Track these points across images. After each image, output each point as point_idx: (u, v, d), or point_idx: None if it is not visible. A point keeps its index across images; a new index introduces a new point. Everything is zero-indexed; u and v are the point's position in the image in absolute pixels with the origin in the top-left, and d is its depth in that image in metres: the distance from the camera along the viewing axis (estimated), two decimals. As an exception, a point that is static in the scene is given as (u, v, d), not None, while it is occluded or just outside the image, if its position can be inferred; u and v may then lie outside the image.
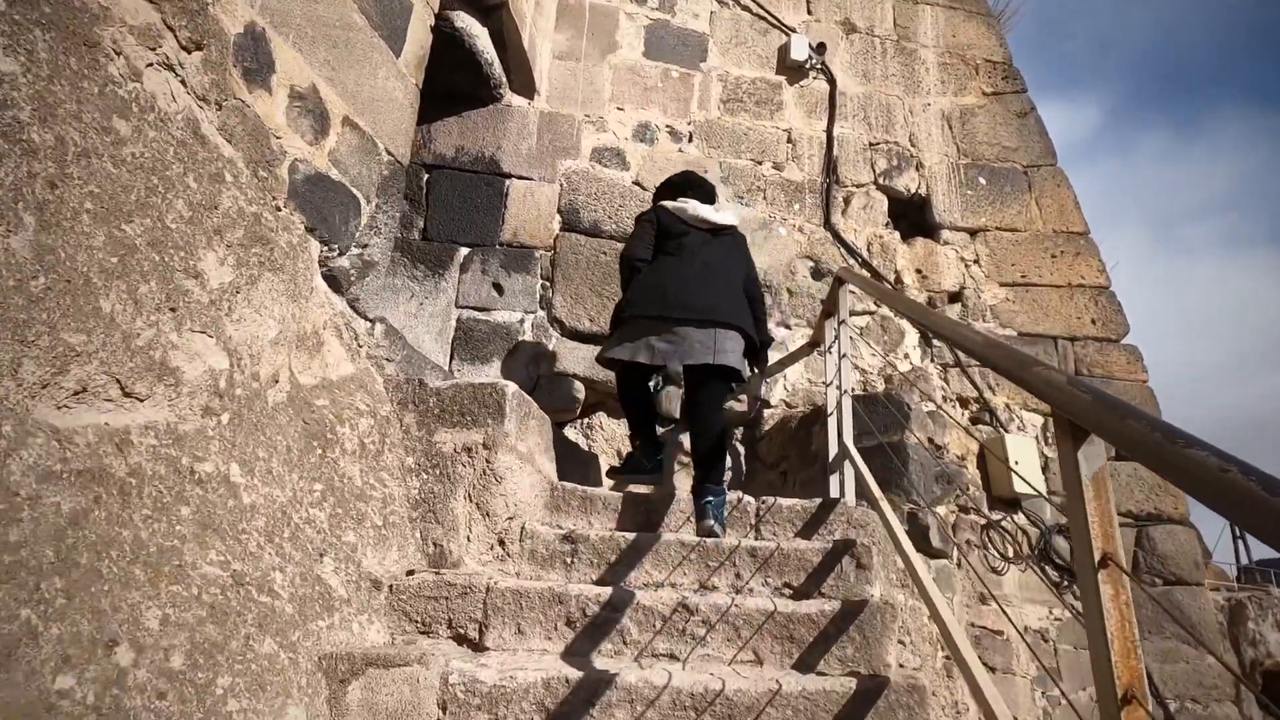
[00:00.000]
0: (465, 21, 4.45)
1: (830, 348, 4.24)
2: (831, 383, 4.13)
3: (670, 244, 3.43)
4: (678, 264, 3.36)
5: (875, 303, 4.92)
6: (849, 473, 3.57)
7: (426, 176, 4.74)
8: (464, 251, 4.61)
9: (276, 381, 2.52)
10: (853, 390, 3.77)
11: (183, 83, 2.40)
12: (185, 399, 2.05)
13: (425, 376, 3.47)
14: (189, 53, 2.43)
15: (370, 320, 3.29)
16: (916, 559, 2.56)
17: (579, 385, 4.45)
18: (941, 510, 4.13)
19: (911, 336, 4.91)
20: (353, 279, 3.16)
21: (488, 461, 2.90)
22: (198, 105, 2.45)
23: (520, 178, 4.80)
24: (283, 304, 2.61)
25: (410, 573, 2.59)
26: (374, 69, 3.41)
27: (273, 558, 2.14)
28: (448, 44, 4.48)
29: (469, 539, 2.81)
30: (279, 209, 2.76)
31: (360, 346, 3.13)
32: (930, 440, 4.13)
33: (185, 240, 2.16)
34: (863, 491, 3.35)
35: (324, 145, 3.03)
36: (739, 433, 4.62)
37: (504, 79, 4.88)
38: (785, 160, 5.21)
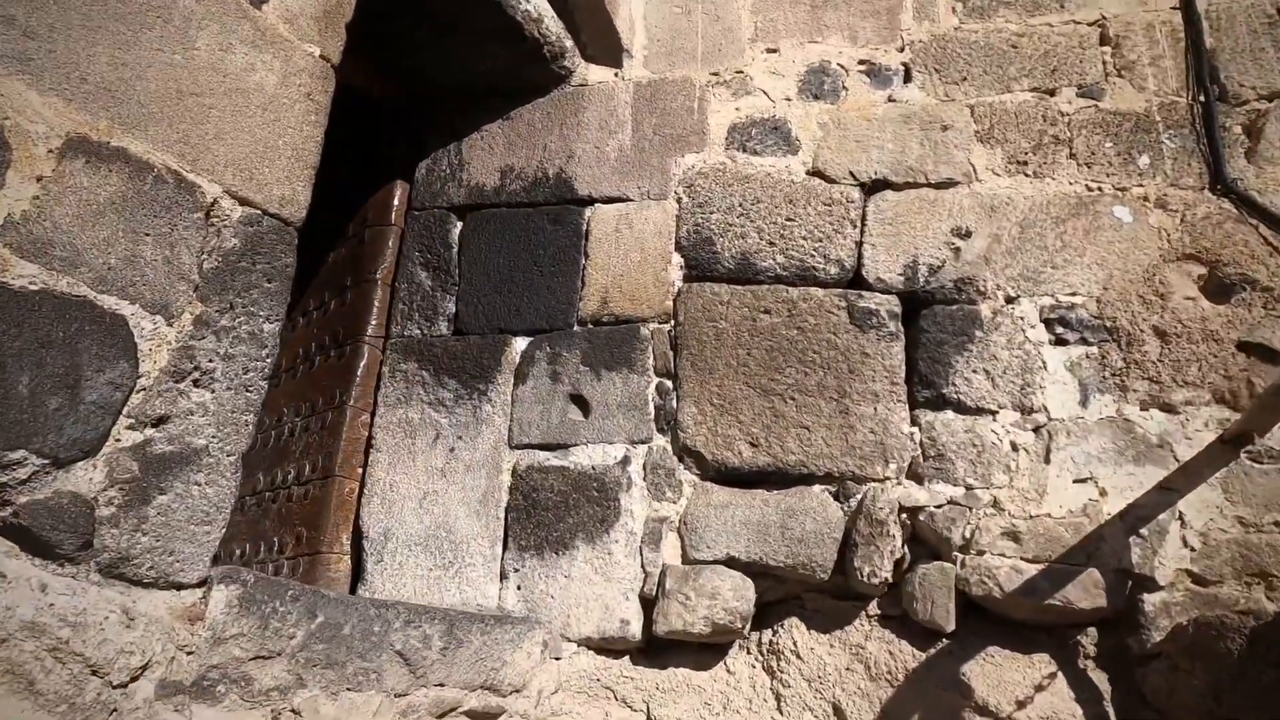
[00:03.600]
0: (469, -51, 2.66)
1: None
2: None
3: None
4: None
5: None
6: None
7: (459, 227, 2.97)
8: (520, 345, 2.76)
9: None
10: None
11: None
12: None
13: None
14: None
15: (191, 586, 1.50)
16: None
17: (742, 581, 2.40)
18: None
19: None
20: (109, 515, 1.39)
21: None
22: None
23: (608, 199, 2.89)
24: None
25: None
26: (169, 28, 1.67)
27: None
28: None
29: None
30: None
31: (118, 686, 1.33)
32: None
33: None
34: None
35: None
36: (1089, 645, 2.29)
37: (566, 43, 3.02)
38: (1103, 78, 2.82)
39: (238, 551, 2.99)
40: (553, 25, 2.97)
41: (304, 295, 3.28)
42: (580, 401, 2.66)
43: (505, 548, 2.53)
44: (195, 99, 1.68)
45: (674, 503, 2.52)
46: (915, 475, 2.45)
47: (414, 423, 2.74)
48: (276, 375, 3.26)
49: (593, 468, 2.57)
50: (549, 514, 2.54)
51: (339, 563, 2.66)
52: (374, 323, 2.91)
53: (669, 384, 2.64)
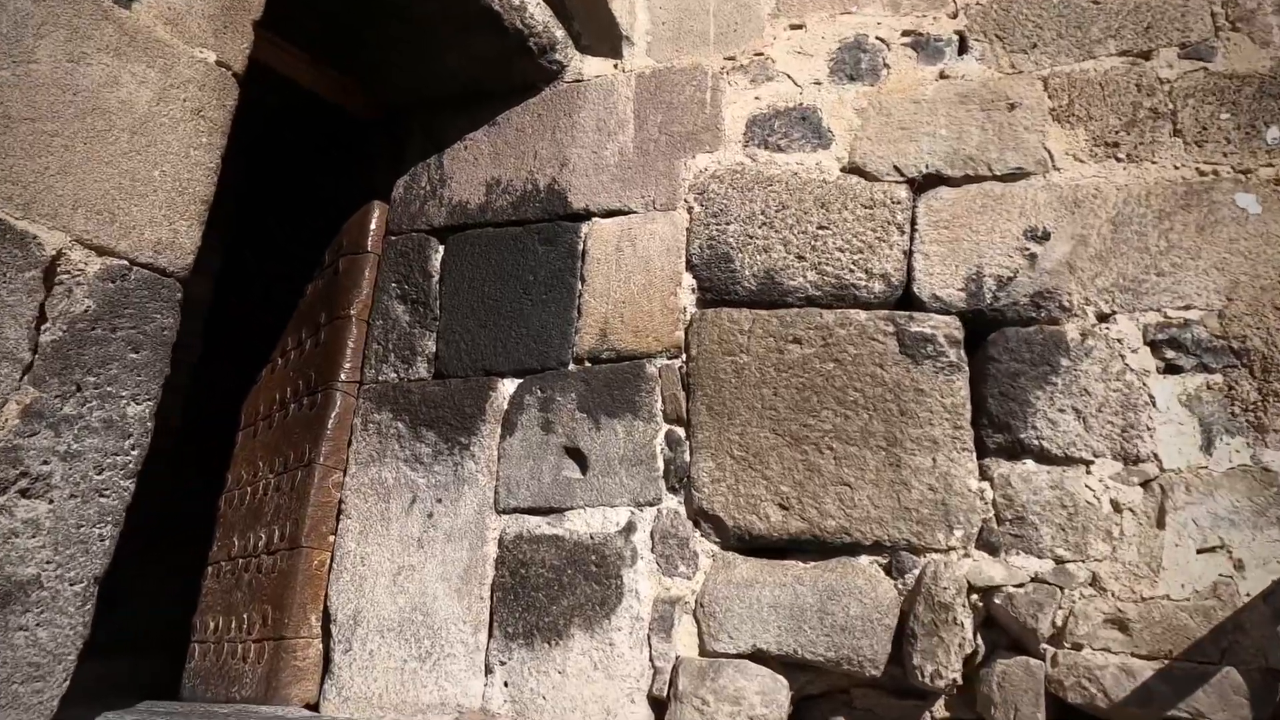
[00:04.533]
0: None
1: None
2: None
3: None
4: None
5: None
6: None
7: (440, 252, 2.60)
8: (507, 388, 2.37)
9: None
10: None
11: None
12: None
13: None
14: None
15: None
16: None
17: (772, 681, 1.95)
18: None
19: None
20: None
21: None
22: None
23: (607, 213, 2.47)
24: None
25: None
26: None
27: None
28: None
29: None
30: None
31: None
32: None
33: None
34: None
35: None
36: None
37: (556, 33, 2.62)
38: (1213, 33, 2.28)
39: (211, 625, 2.68)
40: (538, 13, 2.57)
41: (283, 333, 2.96)
42: (577, 455, 2.25)
43: (490, 635, 2.14)
44: (30, 125, 1.33)
45: (688, 579, 2.09)
46: (988, 544, 1.96)
47: (388, 484, 2.37)
48: (254, 423, 2.95)
49: (591, 537, 2.16)
50: (540, 594, 2.13)
51: (307, 649, 2.31)
52: (347, 366, 2.56)
53: (681, 432, 2.21)
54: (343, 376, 2.54)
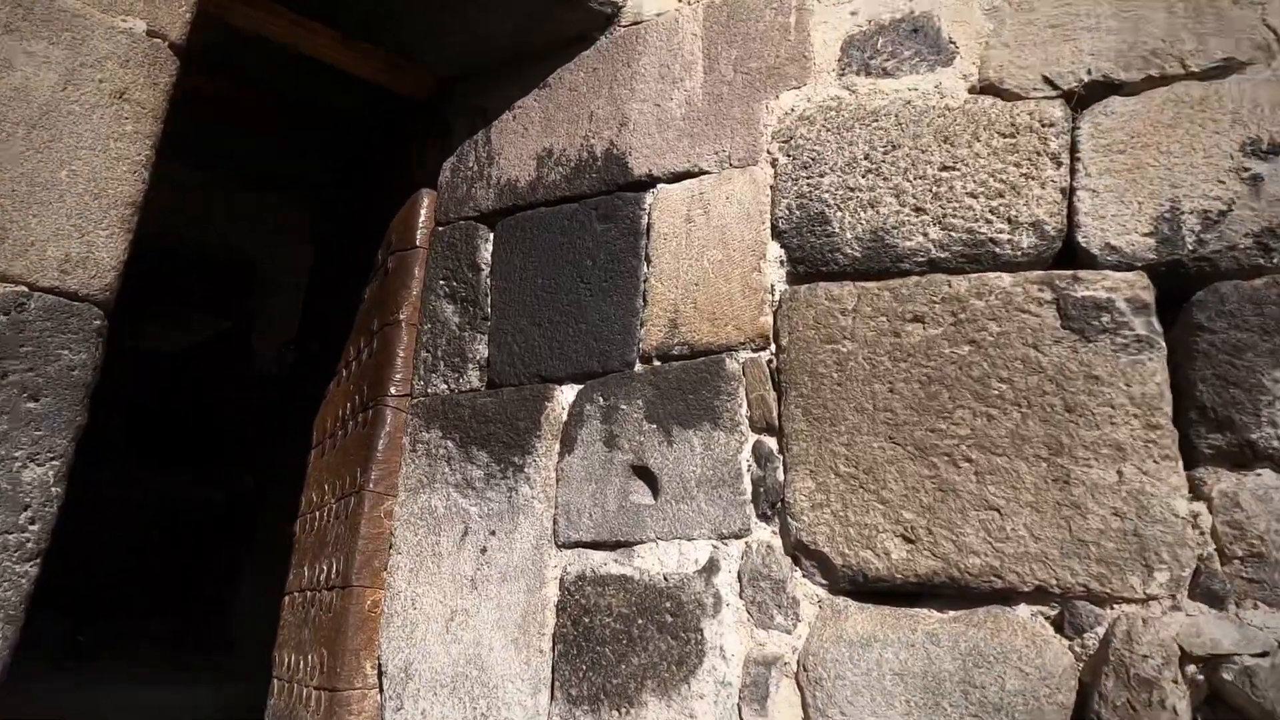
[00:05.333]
0: None
1: None
2: None
3: None
4: None
5: None
6: None
7: (490, 241, 2.27)
8: (565, 396, 2.01)
9: None
10: None
11: None
12: None
13: None
14: None
15: None
16: None
17: (897, 775, 1.48)
18: None
19: None
20: None
21: None
22: None
23: (674, 176, 2.05)
24: None
25: None
26: None
27: None
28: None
29: None
30: None
31: None
32: None
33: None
34: None
35: None
36: None
37: (606, -33, 2.20)
38: None
39: (286, 661, 2.51)
40: (583, -54, 2.17)
41: (345, 342, 2.75)
42: (646, 475, 1.86)
43: (552, 697, 1.79)
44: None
45: (787, 632, 1.65)
46: (1207, 593, 1.40)
47: (438, 514, 2.07)
48: (322, 442, 2.75)
49: (665, 578, 1.76)
50: (607, 649, 1.76)
51: (363, 701, 2.06)
52: (398, 378, 2.28)
53: (772, 444, 1.76)
54: (393, 390, 2.27)
